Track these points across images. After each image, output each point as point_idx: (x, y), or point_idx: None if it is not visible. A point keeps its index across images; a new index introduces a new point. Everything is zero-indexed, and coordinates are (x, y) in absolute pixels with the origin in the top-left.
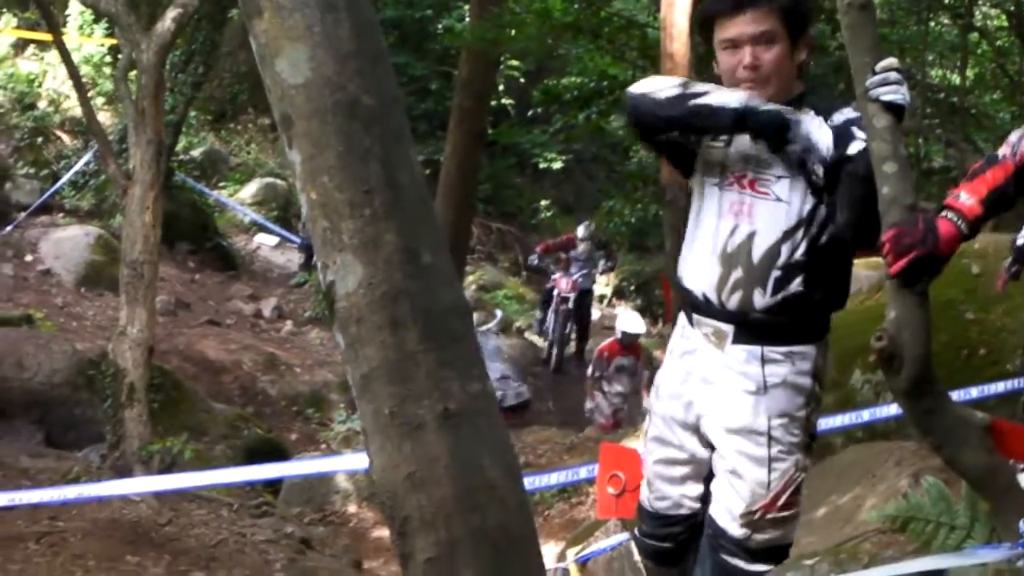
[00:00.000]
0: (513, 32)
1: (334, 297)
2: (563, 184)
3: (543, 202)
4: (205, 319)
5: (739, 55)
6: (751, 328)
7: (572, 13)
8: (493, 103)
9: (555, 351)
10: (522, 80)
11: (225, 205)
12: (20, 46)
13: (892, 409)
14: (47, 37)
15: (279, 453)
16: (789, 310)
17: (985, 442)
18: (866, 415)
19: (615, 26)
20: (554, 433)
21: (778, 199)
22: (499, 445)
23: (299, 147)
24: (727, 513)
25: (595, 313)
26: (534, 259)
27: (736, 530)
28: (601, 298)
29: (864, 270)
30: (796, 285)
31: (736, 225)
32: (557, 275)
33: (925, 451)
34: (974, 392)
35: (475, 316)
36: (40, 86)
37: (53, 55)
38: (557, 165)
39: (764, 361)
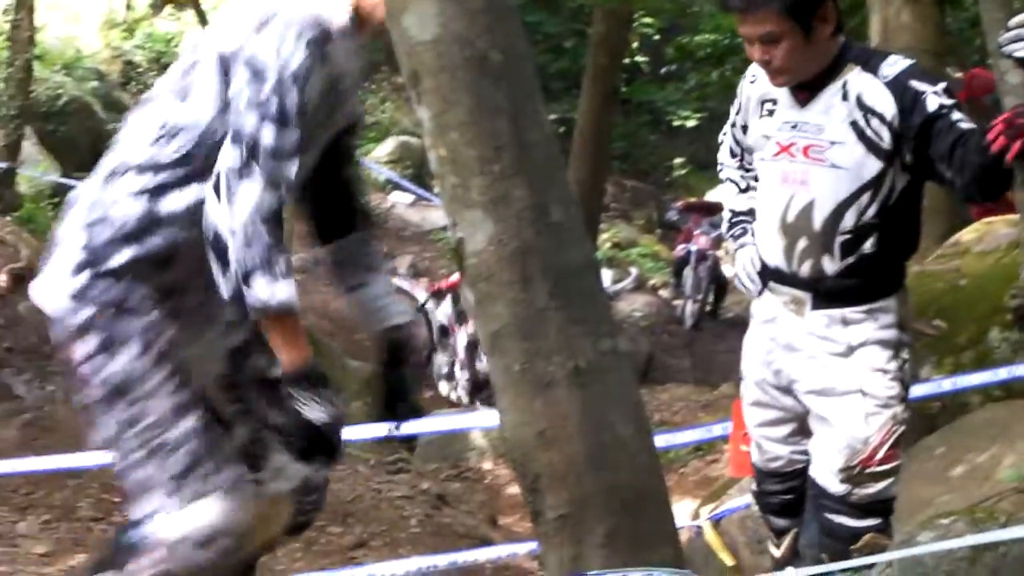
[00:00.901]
0: None
1: (463, 254)
2: (697, 142)
3: (677, 160)
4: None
5: (754, 49)
6: (828, 293)
7: None
8: (627, 60)
9: (693, 308)
10: (656, 37)
11: (360, 164)
12: (157, 6)
13: None
14: None
15: (414, 410)
16: (863, 271)
17: None
18: (1003, 373)
19: None
20: (689, 390)
21: (834, 165)
22: (630, 403)
23: (428, 104)
24: (827, 471)
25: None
26: (673, 214)
27: (837, 487)
28: None
29: (1003, 228)
30: (869, 247)
31: (793, 195)
32: (697, 232)
33: None
34: None
35: (610, 273)
36: (177, 46)
37: (190, 15)
38: (692, 123)
39: (846, 323)
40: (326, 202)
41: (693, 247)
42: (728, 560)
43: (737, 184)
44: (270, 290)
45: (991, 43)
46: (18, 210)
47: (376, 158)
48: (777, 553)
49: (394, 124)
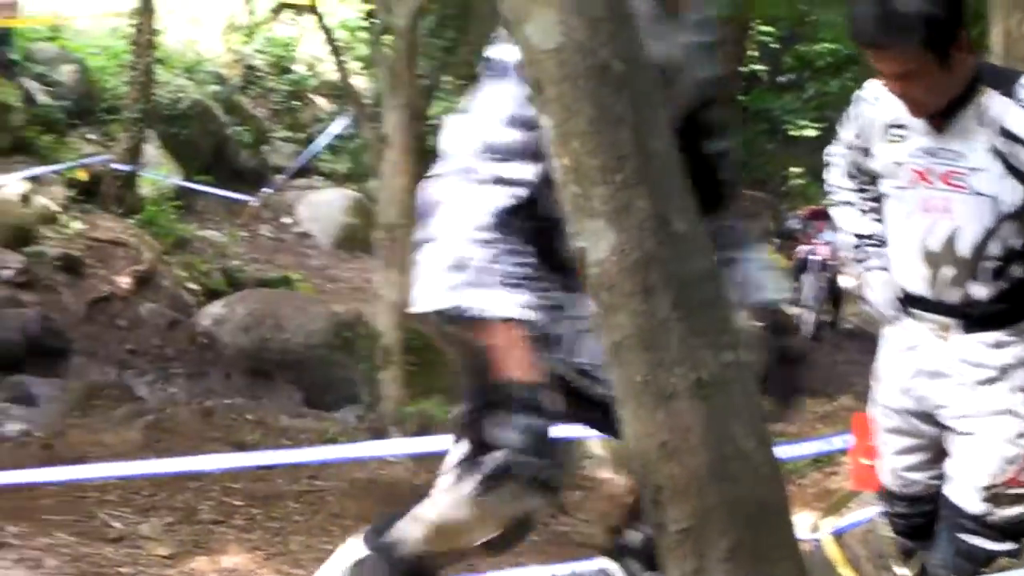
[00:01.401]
0: None
1: (586, 263)
2: (816, 152)
3: (794, 169)
4: None
5: (890, 84)
6: (979, 319)
7: None
8: (745, 69)
9: (812, 318)
10: (774, 46)
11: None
12: (277, 10)
13: None
14: (304, 2)
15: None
16: (1014, 294)
17: None
18: None
19: None
20: (808, 401)
21: (978, 193)
22: (752, 414)
23: (550, 113)
24: (967, 491)
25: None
26: (794, 223)
27: (976, 507)
28: None
29: None
30: (1019, 271)
31: (934, 222)
32: (818, 240)
33: None
34: None
35: None
36: (296, 50)
37: (309, 20)
38: (810, 132)
39: (1000, 346)
40: (692, 179)
41: (814, 255)
42: (847, 572)
43: (858, 207)
44: None
45: None
46: (140, 212)
47: None
48: (903, 573)
49: None
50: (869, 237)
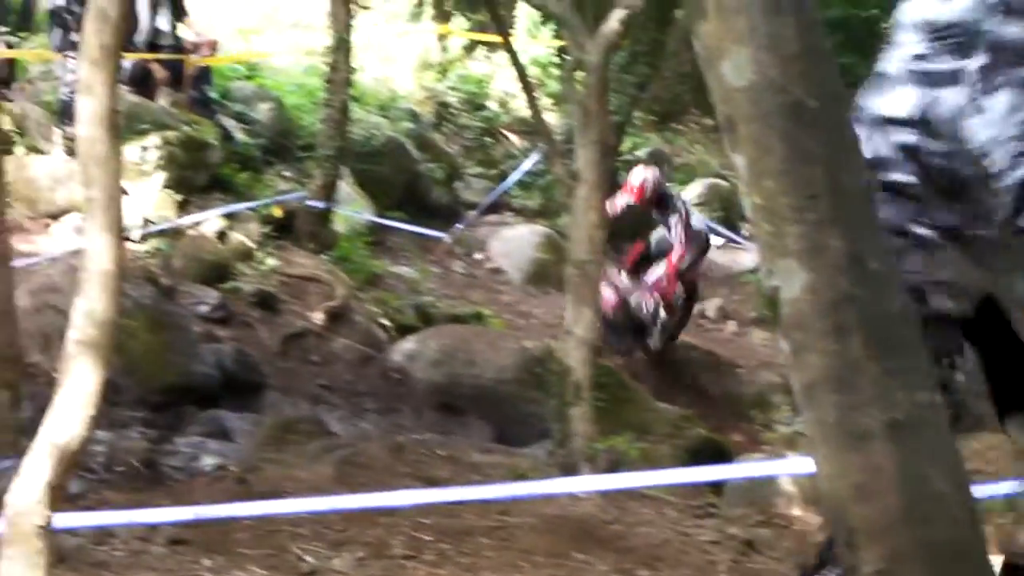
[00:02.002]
0: None
1: (778, 302)
2: None
3: None
4: None
5: None
6: None
7: None
8: None
9: None
10: None
11: None
12: (470, 48)
13: None
14: (496, 39)
15: (722, 454)
16: None
17: None
18: None
19: None
20: (1003, 439)
21: None
22: (947, 456)
23: (743, 150)
24: None
25: None
26: None
27: None
28: None
29: None
30: None
31: None
32: None
33: None
34: None
35: None
36: (489, 87)
37: (502, 56)
38: None
39: None
40: None
41: None
42: None
43: None
44: None
45: None
46: (333, 249)
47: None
48: None
49: (703, 166)
50: None
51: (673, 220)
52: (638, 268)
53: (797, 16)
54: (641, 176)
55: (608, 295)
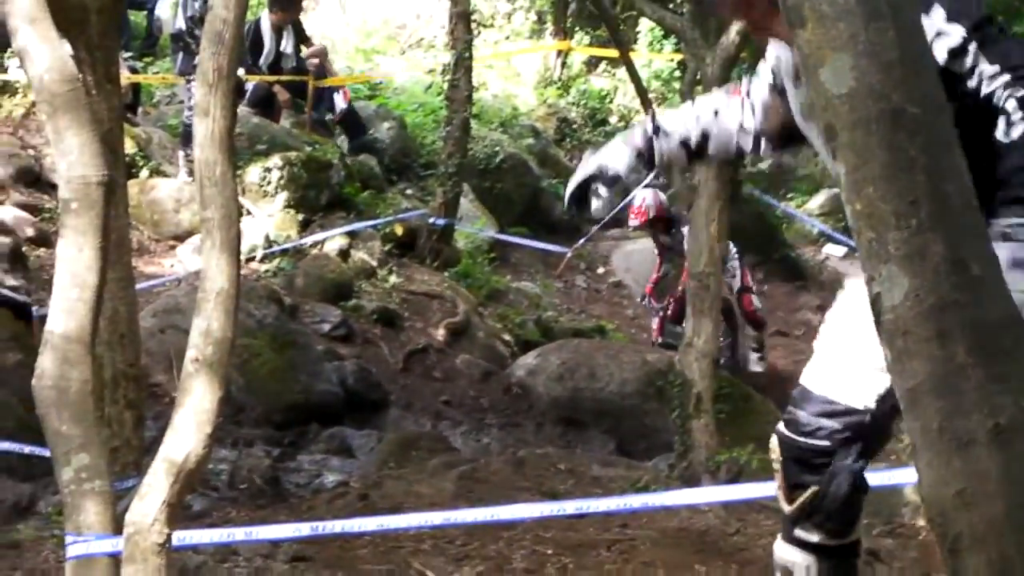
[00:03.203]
0: None
1: (880, 309)
2: None
3: None
4: (774, 329)
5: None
6: None
7: None
8: None
9: None
10: None
11: (792, 216)
12: (592, 63)
13: None
14: (617, 54)
15: None
16: None
17: None
18: None
19: None
20: None
21: None
22: None
23: (843, 158)
24: None
25: None
26: None
27: None
28: None
29: None
30: None
31: None
32: None
33: None
34: None
35: None
36: (611, 102)
37: (624, 71)
38: None
39: None
40: None
41: None
42: None
43: None
44: None
45: None
46: (456, 265)
47: (808, 211)
48: None
49: (826, 177)
50: None
51: (682, 240)
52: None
53: (896, 22)
54: (642, 199)
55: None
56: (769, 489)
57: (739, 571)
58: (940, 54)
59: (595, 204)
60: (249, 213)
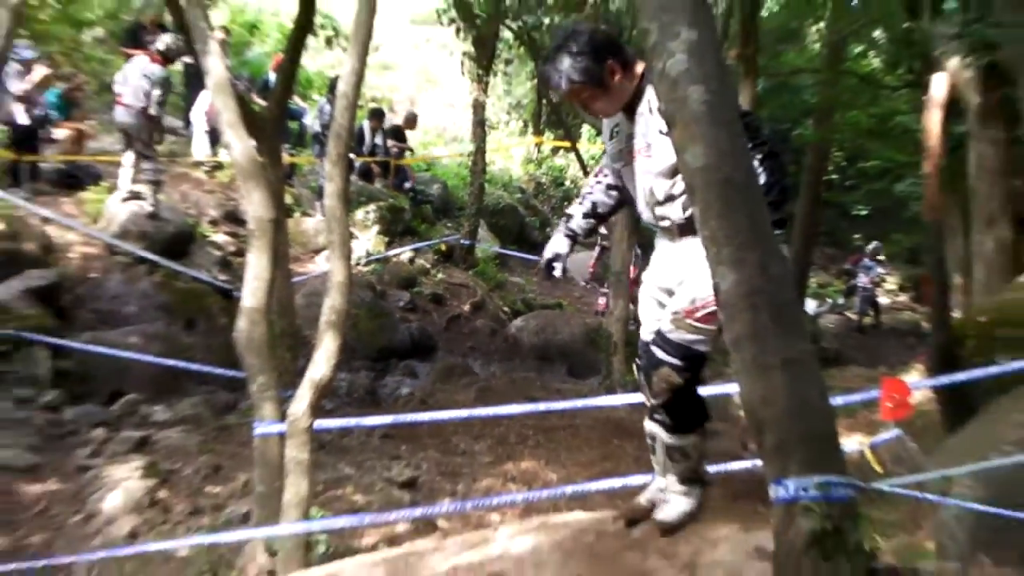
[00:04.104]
0: None
1: (719, 293)
2: (867, 225)
3: (855, 235)
4: None
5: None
6: (681, 228)
7: None
8: (825, 178)
9: (861, 322)
10: (843, 163)
11: None
12: (555, 150)
13: None
14: (569, 144)
15: None
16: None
17: None
18: None
19: None
20: (861, 371)
21: (654, 157)
22: (816, 380)
23: (697, 203)
24: (666, 317)
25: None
26: (848, 265)
27: (666, 326)
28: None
29: None
30: None
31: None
32: (859, 273)
33: None
34: None
35: (815, 303)
36: (566, 172)
37: (573, 155)
38: (863, 214)
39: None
40: None
41: (859, 283)
42: (877, 468)
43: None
44: None
45: None
46: (476, 267)
47: None
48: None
49: None
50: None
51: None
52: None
53: (726, 124)
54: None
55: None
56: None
57: (639, 443)
58: None
59: (557, 271)
60: (356, 237)
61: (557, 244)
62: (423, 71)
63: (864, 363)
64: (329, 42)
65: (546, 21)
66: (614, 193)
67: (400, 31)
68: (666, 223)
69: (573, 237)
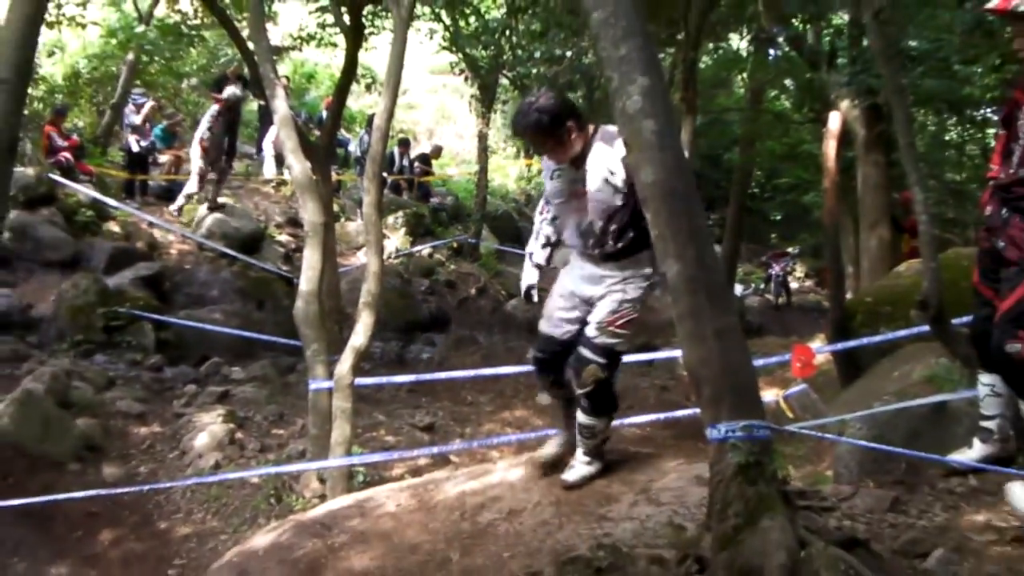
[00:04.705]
0: None
1: (668, 280)
2: (781, 226)
3: (772, 235)
4: None
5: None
6: (608, 256)
7: None
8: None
9: (774, 300)
10: (763, 180)
11: None
12: (540, 170)
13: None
14: None
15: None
16: (626, 246)
17: (964, 341)
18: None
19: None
20: (777, 340)
21: (598, 199)
22: (742, 346)
23: (649, 210)
24: (592, 324)
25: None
26: (766, 258)
27: (592, 332)
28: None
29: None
30: (628, 236)
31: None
32: (774, 264)
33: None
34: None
35: (741, 287)
36: None
37: None
38: (778, 218)
39: (620, 268)
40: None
41: (774, 271)
42: (789, 414)
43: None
44: None
45: None
46: (480, 260)
47: None
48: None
49: None
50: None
51: None
52: None
53: (672, 150)
54: None
55: None
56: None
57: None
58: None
59: (534, 297)
60: (388, 237)
61: (529, 276)
62: (440, 109)
63: (779, 334)
64: (368, 87)
65: (534, 71)
66: (558, 222)
67: (422, 79)
68: (595, 251)
69: (540, 267)
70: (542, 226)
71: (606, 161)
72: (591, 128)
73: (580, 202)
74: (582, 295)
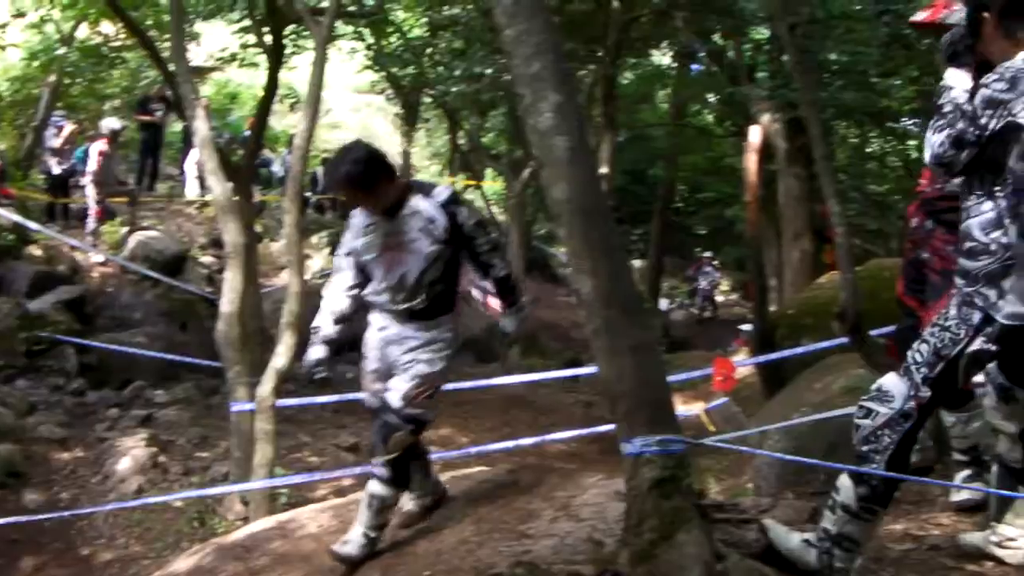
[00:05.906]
0: None
1: (581, 296)
2: (706, 240)
3: (696, 248)
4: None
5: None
6: (416, 314)
7: None
8: (673, 205)
9: (701, 315)
10: (687, 194)
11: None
12: (465, 187)
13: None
14: (475, 183)
15: (577, 362)
16: (434, 302)
17: (883, 352)
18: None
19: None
20: (701, 353)
21: (413, 252)
22: (657, 362)
23: (563, 227)
24: (396, 395)
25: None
26: (691, 271)
27: (398, 403)
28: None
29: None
30: (436, 290)
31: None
32: (699, 278)
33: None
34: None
35: (666, 301)
36: (473, 203)
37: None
38: (703, 232)
39: (425, 328)
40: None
41: (700, 285)
42: (711, 427)
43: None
44: None
45: None
46: None
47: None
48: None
49: None
50: None
51: None
52: None
53: (584, 167)
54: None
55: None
56: (548, 375)
57: (530, 413)
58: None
59: (322, 374)
60: (311, 257)
61: (315, 353)
62: (364, 128)
63: (704, 347)
64: (292, 107)
65: (455, 89)
66: (353, 292)
67: (345, 98)
68: (403, 307)
69: (329, 342)
70: (329, 301)
71: (424, 211)
72: (402, 181)
73: (393, 255)
74: (387, 360)
